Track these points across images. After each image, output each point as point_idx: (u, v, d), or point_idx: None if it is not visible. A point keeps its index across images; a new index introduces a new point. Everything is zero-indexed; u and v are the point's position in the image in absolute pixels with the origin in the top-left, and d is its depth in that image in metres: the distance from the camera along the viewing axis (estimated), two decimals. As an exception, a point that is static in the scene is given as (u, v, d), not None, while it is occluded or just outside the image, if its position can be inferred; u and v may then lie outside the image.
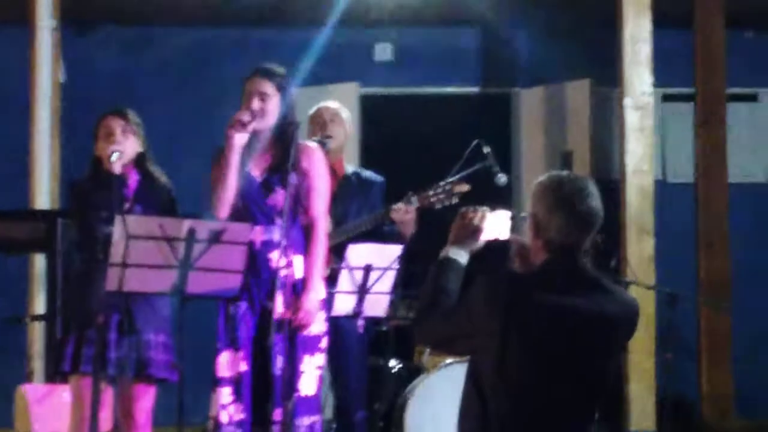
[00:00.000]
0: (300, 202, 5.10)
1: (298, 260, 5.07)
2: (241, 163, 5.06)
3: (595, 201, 3.55)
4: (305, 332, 5.03)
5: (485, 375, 3.50)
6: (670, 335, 6.34)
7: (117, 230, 4.67)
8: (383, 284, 5.37)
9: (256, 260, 5.01)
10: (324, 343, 5.15)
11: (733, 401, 8.14)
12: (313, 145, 5.33)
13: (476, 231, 3.70)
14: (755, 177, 9.27)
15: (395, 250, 5.37)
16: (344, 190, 5.99)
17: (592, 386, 3.56)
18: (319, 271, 5.10)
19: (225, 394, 5.02)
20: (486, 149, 5.97)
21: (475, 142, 5.97)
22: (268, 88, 5.12)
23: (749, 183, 9.15)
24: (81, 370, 5.12)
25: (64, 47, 7.76)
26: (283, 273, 4.96)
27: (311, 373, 5.07)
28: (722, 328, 8.12)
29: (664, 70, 7.45)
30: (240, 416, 5.00)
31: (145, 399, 5.25)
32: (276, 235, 5.01)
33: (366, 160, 8.24)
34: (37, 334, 7.15)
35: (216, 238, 4.72)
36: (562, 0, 8.47)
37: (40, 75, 7.34)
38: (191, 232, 4.70)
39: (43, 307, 7.07)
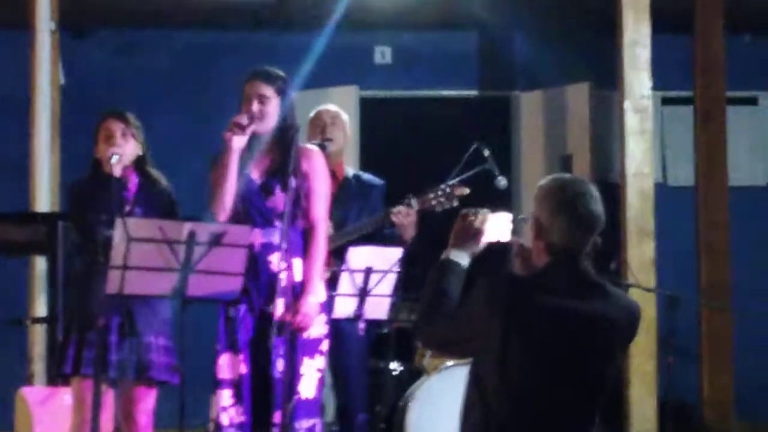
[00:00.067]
0: (300, 205, 5.09)
1: (297, 263, 5.07)
2: (240, 166, 5.06)
3: (597, 204, 3.55)
4: (305, 335, 5.03)
5: (487, 377, 3.50)
6: (670, 338, 6.33)
7: (117, 233, 4.67)
8: (384, 287, 5.38)
9: (255, 263, 5.01)
10: (324, 346, 5.15)
11: (734, 405, 8.13)
12: (313, 148, 5.33)
13: (477, 233, 3.69)
14: (755, 180, 9.28)
15: (396, 252, 5.37)
16: (344, 193, 5.99)
17: (593, 389, 3.56)
18: (319, 274, 5.09)
19: (225, 396, 5.02)
20: (486, 152, 5.97)
21: (474, 145, 5.98)
22: (268, 91, 5.12)
23: (749, 186, 9.16)
24: (82, 373, 5.13)
25: (63, 50, 7.76)
26: (282, 276, 4.95)
27: (311, 376, 5.06)
28: (723, 332, 8.11)
29: (663, 73, 7.45)
30: (240, 419, 5.00)
31: (146, 401, 5.25)
32: (275, 238, 5.01)
33: (365, 163, 8.23)
34: (37, 336, 7.15)
35: (216, 240, 4.72)
36: (561, 3, 8.47)
37: (39, 78, 7.34)
38: (192, 235, 4.71)
39: (43, 310, 7.06)
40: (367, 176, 6.16)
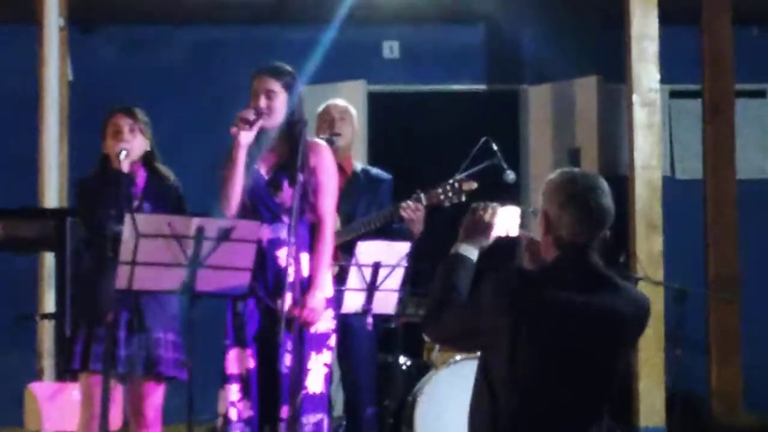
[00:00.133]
0: (307, 200, 5.08)
1: (305, 258, 5.06)
2: (248, 161, 5.05)
3: (607, 199, 3.54)
4: (312, 330, 5.03)
5: (495, 371, 3.50)
6: (679, 331, 6.33)
7: (126, 228, 4.67)
8: (392, 281, 5.37)
9: (263, 258, 5.01)
10: (332, 340, 5.15)
11: (742, 397, 8.14)
12: (321, 142, 5.33)
13: (487, 227, 3.68)
14: (763, 173, 9.26)
15: (404, 247, 5.37)
16: (353, 187, 5.99)
17: (602, 383, 3.55)
18: (326, 268, 5.09)
19: (233, 391, 5.03)
20: (494, 146, 5.97)
21: (483, 140, 5.97)
22: (275, 85, 5.11)
23: (757, 179, 9.14)
24: (91, 368, 5.12)
25: (71, 46, 7.77)
26: (290, 271, 4.95)
27: (318, 371, 5.07)
28: (731, 324, 8.12)
29: (671, 66, 7.44)
30: (249, 413, 5.00)
31: (155, 396, 5.25)
32: (283, 233, 5.01)
33: (374, 158, 8.23)
34: (46, 332, 7.17)
35: (225, 235, 4.72)
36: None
37: (48, 73, 7.35)
38: (200, 230, 4.71)
39: (52, 305, 7.08)
40: (375, 171, 6.16)
